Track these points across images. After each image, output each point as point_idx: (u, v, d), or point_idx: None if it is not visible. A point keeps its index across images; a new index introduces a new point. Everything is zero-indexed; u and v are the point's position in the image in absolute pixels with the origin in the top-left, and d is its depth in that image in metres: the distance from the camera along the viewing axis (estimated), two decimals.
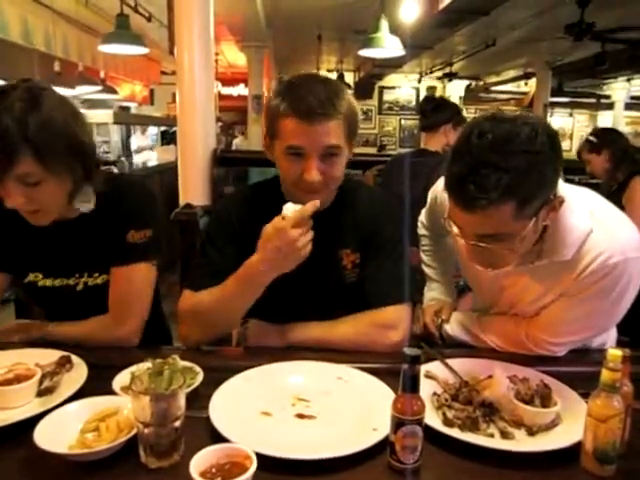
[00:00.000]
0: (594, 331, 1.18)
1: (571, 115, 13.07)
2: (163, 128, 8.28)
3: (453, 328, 1.32)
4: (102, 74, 6.39)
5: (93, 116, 6.05)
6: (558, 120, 12.85)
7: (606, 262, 1.02)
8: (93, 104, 7.21)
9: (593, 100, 12.07)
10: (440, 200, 1.31)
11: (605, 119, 12.61)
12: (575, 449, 0.84)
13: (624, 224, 1.08)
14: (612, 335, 1.30)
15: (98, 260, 1.23)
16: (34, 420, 0.86)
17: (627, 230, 1.06)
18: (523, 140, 0.92)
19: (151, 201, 1.27)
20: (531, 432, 0.90)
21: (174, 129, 8.22)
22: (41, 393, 0.98)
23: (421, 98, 12.00)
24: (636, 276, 1.04)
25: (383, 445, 0.83)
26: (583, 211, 1.06)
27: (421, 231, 1.58)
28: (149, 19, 5.23)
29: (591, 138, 2.94)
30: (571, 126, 13.13)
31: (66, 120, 1.08)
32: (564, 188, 1.03)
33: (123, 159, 6.22)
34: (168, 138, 8.26)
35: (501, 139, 0.92)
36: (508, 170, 0.90)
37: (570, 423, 0.91)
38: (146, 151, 7.43)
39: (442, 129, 2.53)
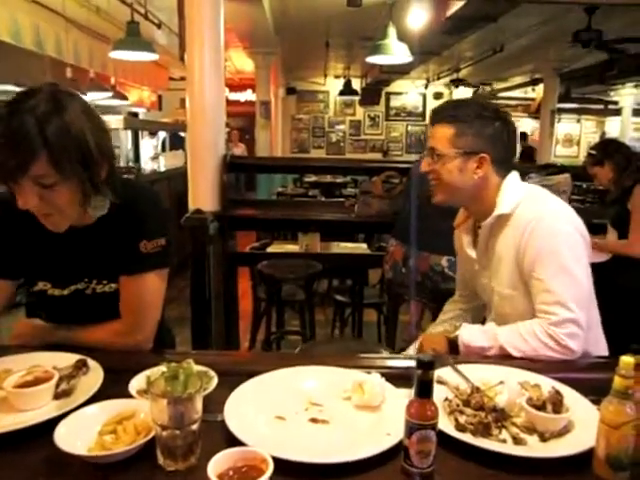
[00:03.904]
0: (576, 282, 1.24)
1: (578, 121, 13.02)
2: (164, 133, 8.32)
3: (470, 332, 1.31)
4: (113, 80, 6.45)
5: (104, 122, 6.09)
6: (565, 126, 12.81)
7: (539, 223, 1.26)
8: (103, 110, 7.28)
9: (601, 106, 12.03)
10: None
11: (613, 125, 12.56)
12: (587, 455, 0.84)
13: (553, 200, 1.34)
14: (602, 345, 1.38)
15: (107, 268, 1.24)
16: (51, 422, 0.88)
17: (554, 202, 1.33)
18: (484, 106, 1.36)
19: (163, 210, 1.28)
20: (543, 438, 0.91)
21: (175, 134, 8.28)
22: (58, 396, 0.99)
23: (428, 104, 12.10)
24: (565, 227, 1.26)
25: (397, 450, 0.84)
26: (519, 186, 1.37)
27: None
28: (159, 26, 5.28)
29: (592, 152, 2.99)
30: (578, 132, 13.08)
31: (83, 130, 1.07)
32: (514, 177, 1.37)
33: (131, 164, 6.26)
34: (174, 143, 8.32)
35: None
36: (458, 110, 1.34)
37: (582, 429, 0.91)
38: (159, 156, 7.48)
39: None
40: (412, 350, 1.64)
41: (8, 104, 1.06)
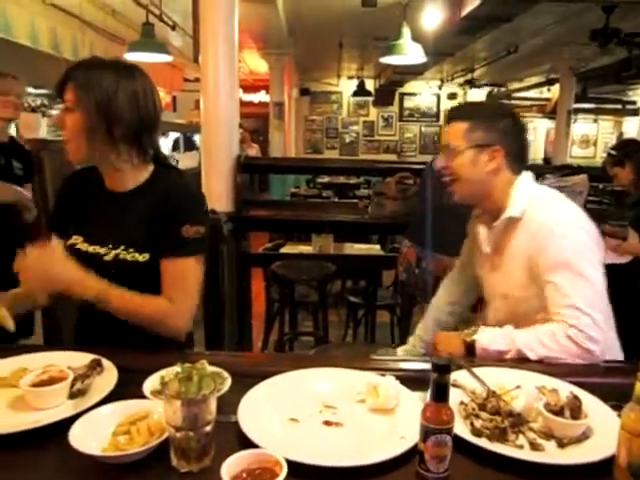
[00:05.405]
0: (592, 287, 1.24)
1: (595, 121, 12.85)
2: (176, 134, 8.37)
3: (488, 336, 1.29)
4: None
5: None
6: (582, 127, 12.65)
7: (551, 230, 1.26)
8: None
9: (618, 106, 11.86)
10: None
11: (630, 125, 12.38)
12: (607, 463, 0.82)
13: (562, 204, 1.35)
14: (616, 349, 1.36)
15: (139, 238, 1.27)
16: (66, 422, 0.88)
17: (565, 207, 1.34)
18: (497, 105, 1.69)
19: (205, 203, 1.37)
20: (561, 444, 0.89)
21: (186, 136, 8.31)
22: (73, 395, 1.00)
23: (442, 105, 12.03)
24: (576, 233, 1.26)
25: (411, 454, 0.83)
26: (531, 187, 1.38)
27: None
28: (173, 27, 5.32)
29: (613, 152, 2.93)
30: (595, 132, 12.91)
31: (115, 90, 1.24)
32: (527, 177, 1.39)
33: None
34: (186, 145, 8.35)
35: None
36: (471, 108, 1.57)
37: (602, 436, 0.89)
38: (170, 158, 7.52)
39: None
40: (410, 344, 1.67)
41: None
